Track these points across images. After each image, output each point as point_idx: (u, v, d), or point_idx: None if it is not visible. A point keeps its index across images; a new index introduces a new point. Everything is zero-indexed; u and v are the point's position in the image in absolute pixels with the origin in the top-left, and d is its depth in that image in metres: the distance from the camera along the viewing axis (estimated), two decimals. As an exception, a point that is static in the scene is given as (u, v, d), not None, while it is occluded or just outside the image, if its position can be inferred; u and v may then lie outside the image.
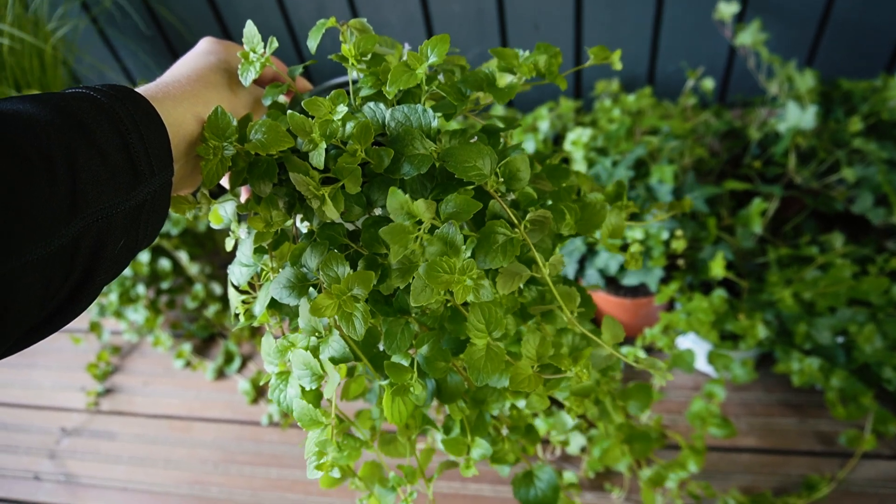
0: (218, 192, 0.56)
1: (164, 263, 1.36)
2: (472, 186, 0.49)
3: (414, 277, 0.45)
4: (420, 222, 0.44)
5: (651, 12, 1.30)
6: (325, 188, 0.46)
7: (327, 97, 0.48)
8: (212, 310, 1.45)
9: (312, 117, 0.48)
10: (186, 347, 1.41)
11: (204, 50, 0.55)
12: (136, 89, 0.45)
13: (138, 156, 0.41)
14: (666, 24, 1.31)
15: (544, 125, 1.29)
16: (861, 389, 0.96)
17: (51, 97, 0.39)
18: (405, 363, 0.52)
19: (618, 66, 0.55)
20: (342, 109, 0.48)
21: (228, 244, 0.56)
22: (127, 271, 1.32)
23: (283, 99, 0.58)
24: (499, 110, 1.34)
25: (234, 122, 0.48)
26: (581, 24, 1.34)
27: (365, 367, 0.56)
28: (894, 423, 0.96)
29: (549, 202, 0.55)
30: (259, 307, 0.53)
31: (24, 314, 0.35)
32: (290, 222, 0.52)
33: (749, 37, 1.12)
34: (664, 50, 1.36)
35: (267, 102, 0.55)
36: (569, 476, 1.05)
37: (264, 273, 0.53)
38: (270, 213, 0.51)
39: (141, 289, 1.36)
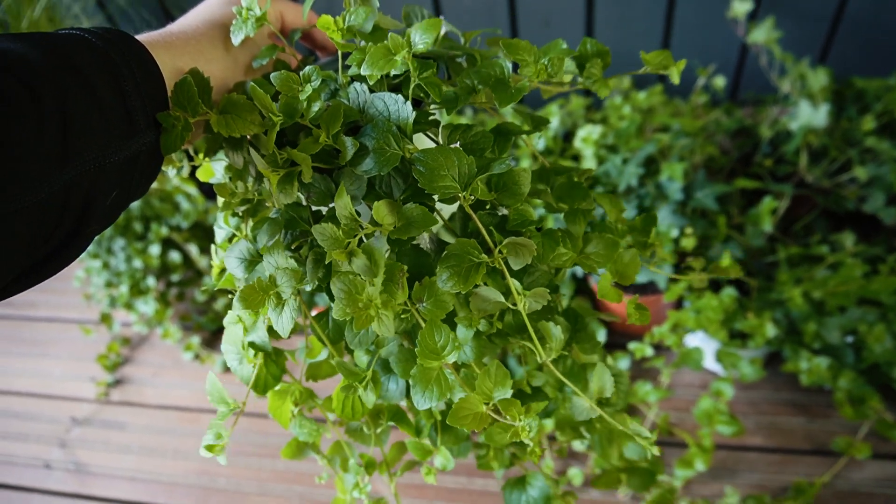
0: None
1: (175, 256, 1.37)
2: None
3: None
4: (362, 227, 0.41)
5: (662, 9, 1.29)
6: (281, 171, 0.43)
7: (301, 72, 0.45)
8: (221, 303, 1.45)
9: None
10: (195, 340, 1.42)
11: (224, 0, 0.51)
12: (137, 36, 0.42)
13: (134, 104, 0.38)
14: (677, 21, 1.31)
15: (554, 122, 1.29)
16: (868, 392, 0.95)
17: (41, 37, 0.36)
18: (366, 359, 0.50)
19: (676, 79, 0.47)
20: (310, 88, 0.44)
21: (220, 201, 0.54)
22: (137, 264, 1.33)
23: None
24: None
25: (211, 88, 0.43)
26: (592, 20, 1.33)
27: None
28: None
29: (547, 226, 0.50)
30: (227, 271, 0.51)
31: (10, 262, 0.34)
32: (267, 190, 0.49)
33: (762, 34, 1.11)
34: (675, 47, 1.35)
35: (256, 65, 0.51)
36: (574, 472, 1.05)
37: (235, 238, 0.51)
38: (236, 184, 0.48)
39: (151, 281, 1.37)
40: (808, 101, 1.08)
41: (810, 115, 1.06)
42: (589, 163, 1.17)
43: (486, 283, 0.43)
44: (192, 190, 1.40)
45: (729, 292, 1.02)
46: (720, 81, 1.24)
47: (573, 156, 1.27)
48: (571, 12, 1.33)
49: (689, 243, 1.03)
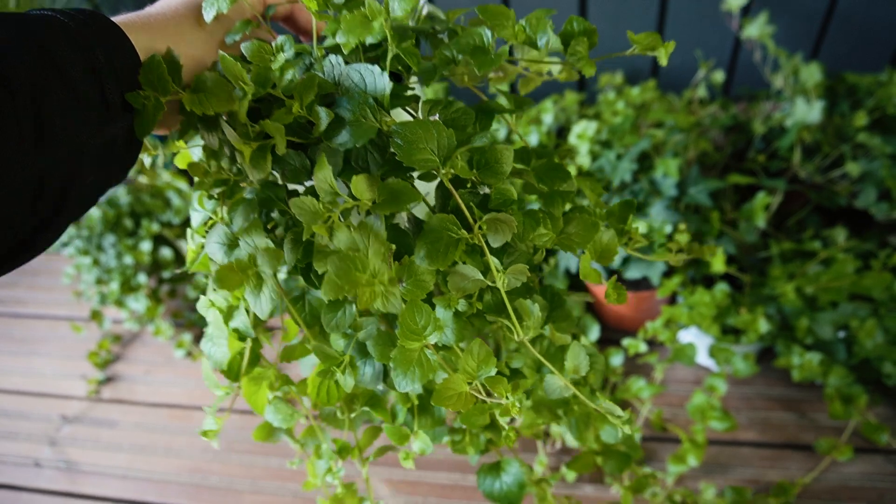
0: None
1: (166, 252, 1.36)
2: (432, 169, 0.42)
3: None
4: (343, 201, 0.39)
5: (656, 4, 1.29)
6: (253, 144, 0.42)
7: (274, 43, 0.44)
8: (213, 299, 1.45)
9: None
10: (187, 337, 1.41)
11: None
12: (114, 18, 0.41)
13: (109, 88, 0.38)
14: (671, 17, 1.31)
15: (548, 118, 1.28)
16: (857, 392, 0.95)
17: (12, 18, 0.35)
18: (342, 343, 0.49)
19: (664, 61, 0.47)
20: (283, 58, 0.43)
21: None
22: (128, 260, 1.32)
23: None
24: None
25: (181, 66, 0.42)
26: (586, 14, 1.33)
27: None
28: (885, 432, 0.95)
29: (531, 206, 0.49)
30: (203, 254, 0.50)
31: None
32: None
33: (756, 29, 1.11)
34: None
35: (230, 41, 0.49)
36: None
37: (211, 221, 0.50)
38: (209, 163, 0.47)
39: (142, 278, 1.36)
40: (802, 97, 1.08)
41: (804, 112, 1.07)
42: (583, 159, 1.16)
43: (464, 262, 0.42)
44: (183, 185, 1.38)
45: (722, 288, 1.03)
46: (719, 76, 1.24)
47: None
48: (566, 7, 1.32)
49: (682, 239, 1.03)
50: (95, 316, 1.44)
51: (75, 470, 1.23)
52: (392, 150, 0.40)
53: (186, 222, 1.39)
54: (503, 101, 0.51)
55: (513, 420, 0.95)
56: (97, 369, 1.41)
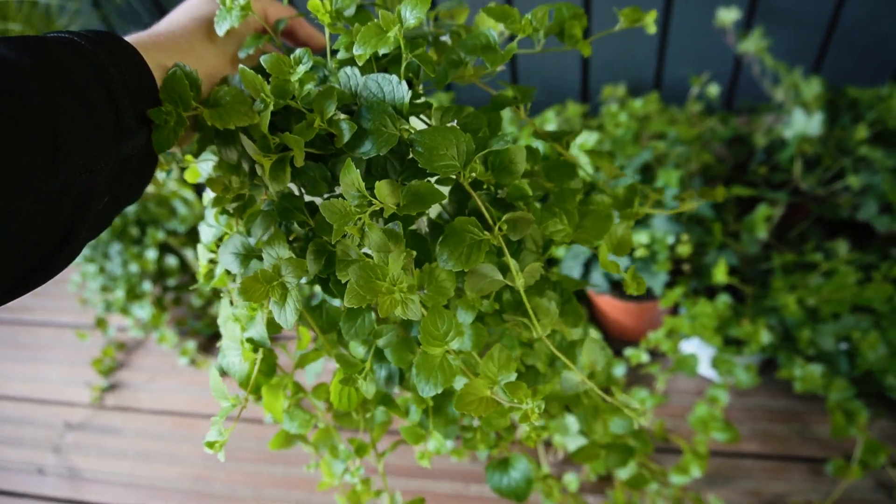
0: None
1: (171, 261, 1.37)
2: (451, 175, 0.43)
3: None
4: (370, 203, 0.40)
5: (659, 17, 1.30)
6: (273, 156, 0.43)
7: (292, 55, 0.44)
8: (217, 307, 1.45)
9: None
10: (191, 345, 1.41)
11: None
12: (126, 37, 0.41)
13: (123, 108, 0.38)
14: (673, 30, 1.32)
15: (551, 128, 1.29)
16: (858, 408, 0.95)
17: (29, 40, 0.35)
18: (362, 350, 0.50)
19: (652, 28, 0.50)
20: (302, 69, 0.43)
21: (206, 199, 0.54)
22: (133, 268, 1.33)
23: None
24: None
25: (200, 82, 0.43)
26: (589, 26, 1.34)
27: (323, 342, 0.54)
28: (884, 454, 0.94)
29: (541, 203, 0.49)
30: (218, 270, 0.51)
31: (2, 271, 0.33)
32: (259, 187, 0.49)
33: (752, 44, 1.12)
34: (671, 55, 1.37)
35: (242, 55, 0.50)
36: (570, 478, 1.05)
37: (226, 236, 0.50)
38: (229, 178, 0.47)
39: (147, 286, 1.36)
40: (802, 109, 1.09)
41: (804, 124, 1.07)
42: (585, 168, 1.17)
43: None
44: (189, 194, 1.40)
45: (724, 299, 1.03)
46: (714, 90, 1.25)
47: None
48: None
49: (684, 250, 1.04)
50: (100, 323, 1.44)
51: (79, 477, 1.23)
52: (412, 156, 0.41)
53: (192, 231, 1.40)
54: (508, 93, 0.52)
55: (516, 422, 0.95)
56: (101, 376, 1.42)
